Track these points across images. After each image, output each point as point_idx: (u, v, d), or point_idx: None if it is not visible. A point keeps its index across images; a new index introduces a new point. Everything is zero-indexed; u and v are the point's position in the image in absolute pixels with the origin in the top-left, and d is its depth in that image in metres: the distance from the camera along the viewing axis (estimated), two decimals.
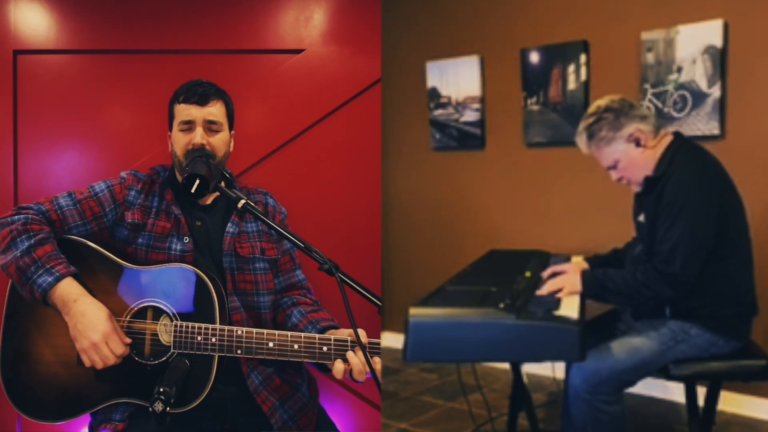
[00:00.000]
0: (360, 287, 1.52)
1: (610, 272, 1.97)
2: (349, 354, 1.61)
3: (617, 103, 1.98)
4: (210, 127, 1.81)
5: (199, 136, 1.78)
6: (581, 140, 2.02)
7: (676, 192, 1.88)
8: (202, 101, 1.80)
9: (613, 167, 2.01)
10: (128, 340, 1.63)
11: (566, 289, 1.95)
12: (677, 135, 2.01)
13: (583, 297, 1.95)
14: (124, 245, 1.79)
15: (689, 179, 1.89)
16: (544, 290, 1.96)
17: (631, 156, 1.97)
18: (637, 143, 1.96)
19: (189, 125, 1.80)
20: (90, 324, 1.58)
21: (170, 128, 1.86)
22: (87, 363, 1.60)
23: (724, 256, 1.90)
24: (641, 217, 2.04)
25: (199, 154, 1.76)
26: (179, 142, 1.81)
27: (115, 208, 1.79)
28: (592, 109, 2.01)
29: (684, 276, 1.85)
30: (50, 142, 2.30)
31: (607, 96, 2.02)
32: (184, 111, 1.80)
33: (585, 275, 1.98)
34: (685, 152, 1.95)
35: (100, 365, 1.59)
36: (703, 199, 1.87)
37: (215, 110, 1.82)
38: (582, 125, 2.01)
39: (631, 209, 2.18)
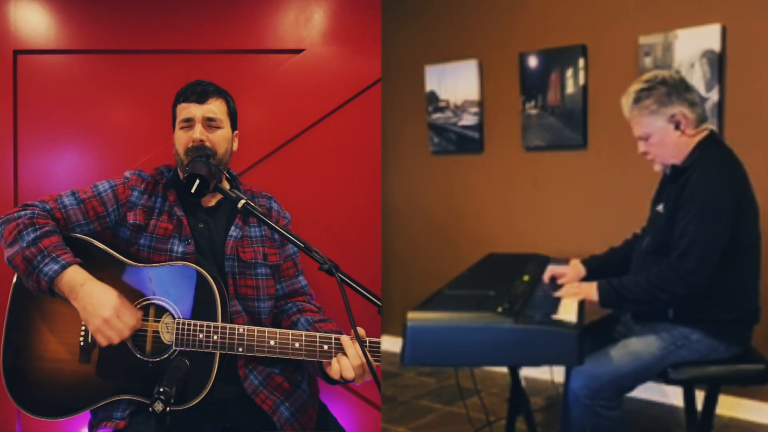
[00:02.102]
0: (360, 287, 1.52)
1: (624, 280, 1.95)
2: (346, 344, 1.61)
3: (674, 80, 1.95)
4: (209, 123, 1.82)
5: (198, 132, 1.80)
6: (626, 101, 1.99)
7: (699, 186, 1.86)
8: (201, 99, 1.82)
9: (644, 139, 1.98)
10: (140, 313, 1.64)
11: (581, 297, 1.95)
12: (712, 132, 1.99)
13: (602, 307, 1.95)
14: (126, 245, 1.79)
15: (715, 176, 1.87)
16: (561, 293, 1.97)
17: (666, 136, 1.95)
18: (677, 126, 1.94)
19: (189, 123, 1.82)
20: (99, 302, 1.59)
21: (173, 130, 1.88)
22: (102, 342, 1.61)
23: (734, 260, 1.89)
24: (660, 207, 2.01)
25: (199, 152, 1.77)
26: (180, 139, 1.83)
27: (118, 208, 1.80)
28: (648, 76, 1.98)
29: (699, 274, 1.83)
30: (50, 142, 2.30)
31: (668, 70, 1.99)
32: (185, 109, 1.83)
33: (601, 287, 1.96)
34: (714, 149, 1.93)
35: (116, 340, 1.61)
36: (725, 198, 1.85)
37: (214, 107, 1.84)
38: (633, 87, 1.98)
39: (630, 212, 2.18)
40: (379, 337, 1.67)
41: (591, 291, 1.96)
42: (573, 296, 1.96)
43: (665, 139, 1.95)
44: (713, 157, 1.91)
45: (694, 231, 1.84)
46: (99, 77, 2.32)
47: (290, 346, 1.64)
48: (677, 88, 1.93)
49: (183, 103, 1.84)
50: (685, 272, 1.83)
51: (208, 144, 1.80)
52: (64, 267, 1.62)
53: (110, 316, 1.59)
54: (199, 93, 1.83)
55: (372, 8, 2.35)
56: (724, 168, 1.90)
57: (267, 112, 2.35)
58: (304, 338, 1.64)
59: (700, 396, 2.03)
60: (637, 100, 1.96)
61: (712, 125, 2.72)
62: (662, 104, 1.93)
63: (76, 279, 1.62)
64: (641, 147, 2.01)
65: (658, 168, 2.03)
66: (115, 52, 2.32)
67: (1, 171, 2.27)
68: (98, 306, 1.59)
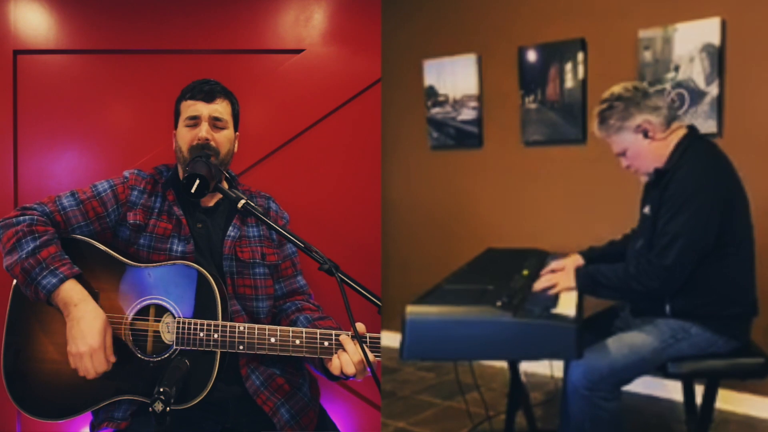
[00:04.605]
0: (360, 287, 1.53)
1: (602, 267, 1.97)
2: (345, 340, 1.62)
3: (630, 92, 1.96)
4: (215, 123, 1.82)
5: (204, 130, 1.80)
6: (595, 126, 2.02)
7: (681, 186, 1.87)
8: (209, 98, 1.82)
9: (622, 154, 2.01)
10: (113, 359, 1.62)
11: (560, 286, 1.96)
12: (691, 129, 2.00)
13: (581, 294, 1.95)
14: (126, 245, 1.79)
15: (696, 174, 1.88)
16: (537, 286, 1.97)
17: (639, 146, 1.97)
18: (645, 134, 1.95)
19: (195, 120, 1.82)
20: (81, 334, 1.58)
21: (176, 126, 1.88)
22: (72, 366, 1.61)
23: (727, 255, 1.89)
24: (646, 209, 2.03)
25: (202, 151, 1.77)
26: (184, 137, 1.82)
27: (118, 208, 1.80)
28: (606, 94, 2.00)
29: (675, 270, 1.85)
30: (50, 142, 2.30)
31: (623, 83, 2.02)
32: (191, 107, 1.82)
33: (578, 271, 1.99)
34: (696, 147, 1.94)
35: (81, 374, 1.60)
36: (707, 195, 1.86)
37: (221, 108, 1.84)
38: (596, 109, 2.01)
39: (629, 207, 2.18)
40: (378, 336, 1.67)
41: (567, 279, 1.97)
42: (551, 284, 1.97)
43: (640, 150, 1.97)
44: (696, 155, 1.91)
45: (674, 229, 1.85)
46: (99, 77, 2.32)
47: (291, 343, 1.64)
48: (634, 99, 1.95)
49: (189, 101, 1.83)
50: (661, 268, 1.85)
51: (212, 143, 1.80)
52: (61, 281, 1.61)
53: (84, 352, 1.57)
54: (207, 92, 1.83)
55: (372, 8, 2.35)
56: (707, 165, 1.91)
57: (267, 112, 2.35)
58: (304, 335, 1.64)
59: (699, 390, 2.03)
60: (602, 121, 1.99)
61: (711, 119, 2.74)
62: (624, 119, 1.95)
63: (72, 297, 1.61)
64: (623, 162, 2.03)
65: (644, 179, 2.04)
66: (115, 52, 2.32)
67: (1, 171, 2.28)
68: (78, 336, 1.58)
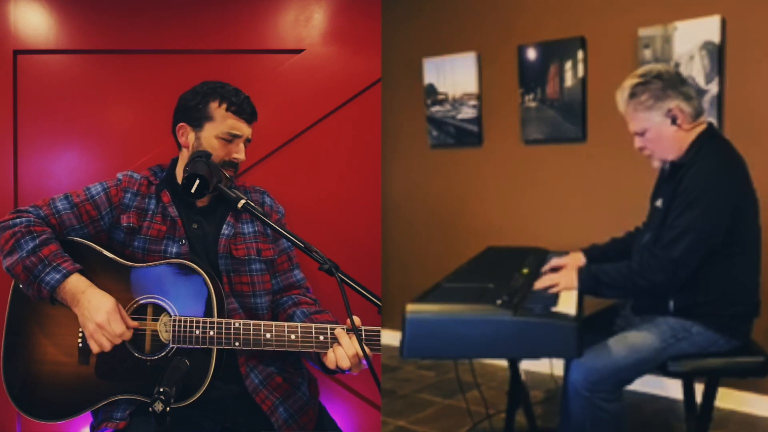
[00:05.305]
0: (360, 287, 1.53)
1: (605, 266, 1.96)
2: (340, 334, 1.62)
3: (669, 74, 1.93)
4: (245, 143, 1.84)
5: (243, 153, 1.82)
6: (621, 97, 1.97)
7: (695, 181, 1.86)
8: (251, 119, 1.84)
9: (641, 134, 1.97)
10: (133, 324, 1.65)
11: (561, 285, 1.95)
12: (710, 126, 1.98)
13: (581, 293, 1.95)
14: (122, 247, 1.80)
15: (711, 171, 1.87)
16: (538, 285, 1.96)
17: (663, 131, 1.94)
18: (674, 121, 1.93)
19: (234, 138, 1.81)
20: (95, 308, 1.61)
21: (195, 125, 1.81)
22: (95, 348, 1.63)
23: (733, 255, 1.89)
24: (659, 202, 2.01)
25: (201, 155, 1.76)
26: (216, 149, 1.79)
27: (111, 211, 1.80)
28: (643, 70, 1.96)
29: (681, 264, 1.84)
30: (50, 142, 2.30)
31: (662, 64, 1.98)
32: (235, 123, 1.81)
33: (581, 272, 1.98)
34: (713, 144, 1.92)
35: (107, 346, 1.62)
36: (720, 193, 1.85)
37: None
38: (627, 82, 1.96)
39: (629, 205, 2.18)
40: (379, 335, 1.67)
41: (570, 278, 1.96)
42: (553, 283, 1.96)
43: (662, 135, 1.94)
44: (712, 152, 1.90)
45: (683, 223, 1.84)
46: (99, 77, 2.32)
47: (286, 338, 1.65)
48: (673, 82, 1.92)
49: (231, 114, 1.80)
50: (667, 261, 1.84)
51: (240, 164, 1.83)
52: (65, 276, 1.63)
53: (102, 320, 1.60)
54: (250, 113, 1.83)
55: (372, 8, 2.35)
56: (723, 163, 1.89)
57: (267, 113, 2.32)
58: (299, 330, 1.65)
59: (699, 389, 2.03)
60: (633, 95, 1.94)
61: (711, 117, 2.74)
62: (658, 99, 1.92)
63: (78, 287, 1.64)
64: (637, 142, 2.00)
65: (656, 164, 2.02)
66: (115, 52, 2.32)
67: (1, 171, 2.28)
68: (93, 311, 1.61)
